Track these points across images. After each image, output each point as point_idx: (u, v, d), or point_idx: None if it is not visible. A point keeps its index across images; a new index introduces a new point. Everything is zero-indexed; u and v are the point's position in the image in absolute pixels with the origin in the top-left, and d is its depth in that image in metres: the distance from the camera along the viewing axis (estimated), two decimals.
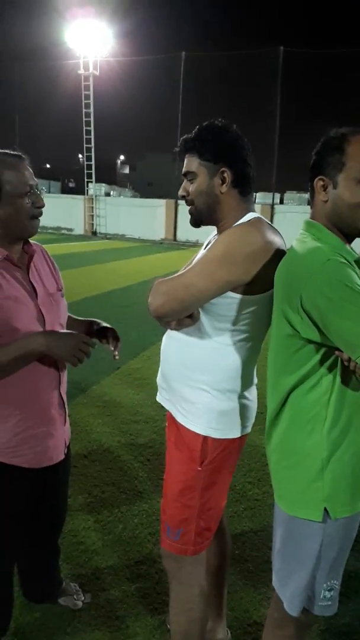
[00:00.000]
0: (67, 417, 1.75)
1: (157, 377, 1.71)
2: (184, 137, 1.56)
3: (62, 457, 1.71)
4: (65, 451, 1.74)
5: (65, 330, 1.65)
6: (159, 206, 23.00)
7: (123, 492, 2.92)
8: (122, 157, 54.17)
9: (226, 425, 1.56)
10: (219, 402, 1.55)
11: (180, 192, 1.58)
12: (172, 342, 1.62)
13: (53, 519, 1.91)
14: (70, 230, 24.28)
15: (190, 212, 1.58)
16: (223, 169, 1.50)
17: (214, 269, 1.42)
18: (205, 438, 1.55)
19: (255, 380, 1.66)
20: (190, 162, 1.54)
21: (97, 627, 1.99)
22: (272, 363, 1.42)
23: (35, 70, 27.43)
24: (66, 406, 1.72)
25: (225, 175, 1.50)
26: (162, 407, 1.69)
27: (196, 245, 20.19)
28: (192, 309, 1.48)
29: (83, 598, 2.09)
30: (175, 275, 1.50)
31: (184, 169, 1.56)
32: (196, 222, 1.59)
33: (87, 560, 2.36)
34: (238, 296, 1.45)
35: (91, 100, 24.48)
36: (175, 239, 22.59)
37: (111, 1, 24.33)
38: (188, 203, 1.58)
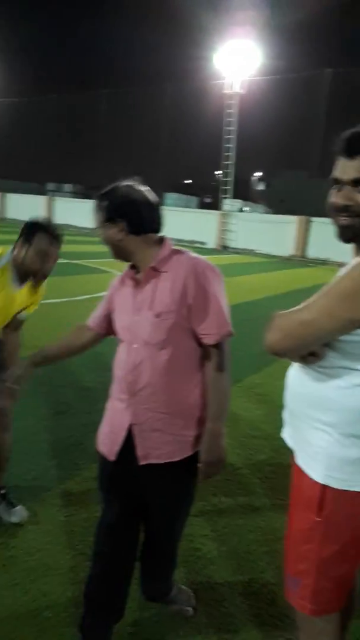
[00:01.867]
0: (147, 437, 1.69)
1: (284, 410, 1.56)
2: (353, 131, 1.27)
3: (112, 458, 1.73)
4: (144, 462, 1.69)
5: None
6: (290, 222, 22.73)
7: (240, 505, 2.90)
8: (258, 174, 54.38)
9: (351, 476, 1.34)
10: (342, 447, 1.34)
11: (342, 202, 1.29)
12: (297, 373, 1.46)
13: (154, 525, 1.84)
14: (203, 243, 24.88)
15: (348, 225, 1.30)
16: None
17: (335, 305, 1.24)
18: (324, 487, 1.36)
19: None
20: None
21: (208, 637, 1.99)
22: None
23: (183, 90, 28.91)
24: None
25: None
26: (282, 425, 1.58)
27: (325, 263, 19.55)
28: (310, 347, 1.33)
29: (194, 604, 2.10)
30: (295, 309, 1.34)
31: (353, 174, 1.26)
32: (355, 235, 1.32)
33: (202, 567, 2.37)
34: None
35: (235, 119, 25.03)
36: (303, 256, 22.09)
37: (261, 21, 24.78)
38: (350, 215, 1.30)
